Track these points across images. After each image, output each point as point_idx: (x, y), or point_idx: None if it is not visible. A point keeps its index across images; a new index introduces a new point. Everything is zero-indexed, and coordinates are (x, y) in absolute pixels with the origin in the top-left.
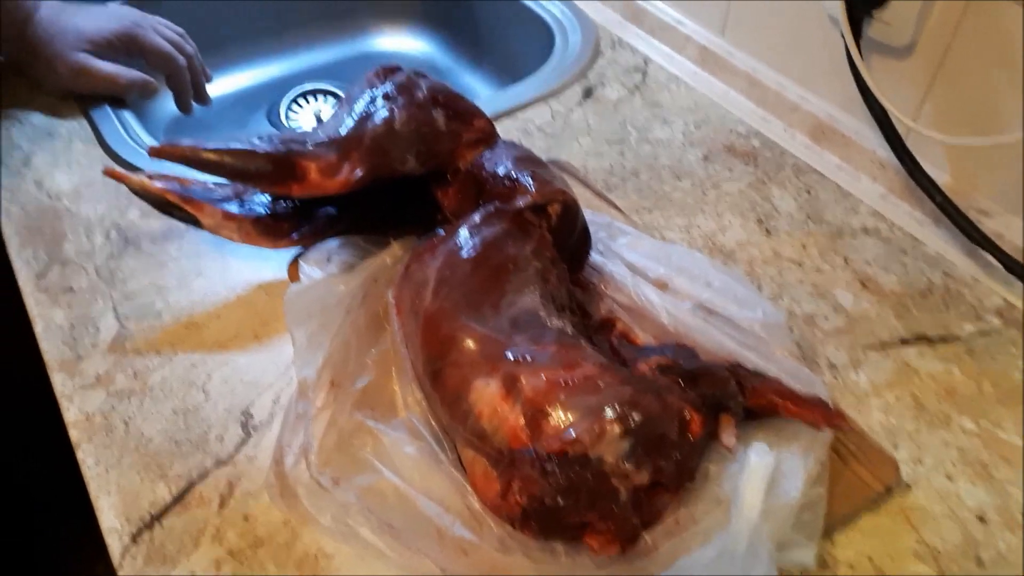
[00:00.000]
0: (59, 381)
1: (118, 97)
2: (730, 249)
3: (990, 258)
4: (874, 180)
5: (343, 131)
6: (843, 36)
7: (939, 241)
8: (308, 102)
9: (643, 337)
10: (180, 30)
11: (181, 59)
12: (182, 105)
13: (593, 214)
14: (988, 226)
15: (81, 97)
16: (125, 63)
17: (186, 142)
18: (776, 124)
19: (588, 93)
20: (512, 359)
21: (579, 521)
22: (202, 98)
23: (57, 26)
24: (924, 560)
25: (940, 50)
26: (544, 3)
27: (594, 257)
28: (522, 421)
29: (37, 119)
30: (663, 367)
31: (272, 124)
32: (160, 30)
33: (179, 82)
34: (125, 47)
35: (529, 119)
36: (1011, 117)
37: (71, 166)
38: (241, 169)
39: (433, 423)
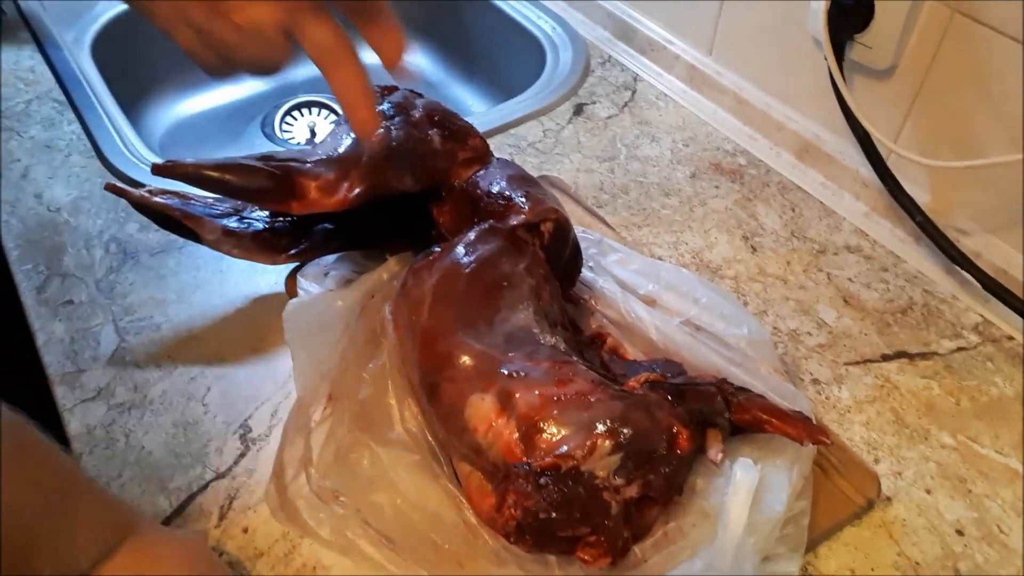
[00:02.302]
0: (60, 394)
1: None
2: (717, 265)
3: (968, 276)
4: (857, 198)
5: (341, 150)
6: (826, 59)
7: (919, 259)
8: (302, 114)
9: (633, 352)
10: None
11: None
12: None
13: (584, 231)
14: (966, 245)
15: (77, 110)
16: None
17: (189, 160)
18: (762, 142)
19: (579, 110)
20: (507, 375)
21: (572, 534)
22: None
23: None
24: (904, 572)
25: (920, 73)
26: (535, 20)
27: (585, 273)
28: (516, 436)
29: (35, 131)
30: (652, 383)
31: (266, 136)
32: None
33: None
34: None
35: (521, 136)
36: (988, 139)
37: (69, 179)
38: (242, 187)
39: (429, 437)
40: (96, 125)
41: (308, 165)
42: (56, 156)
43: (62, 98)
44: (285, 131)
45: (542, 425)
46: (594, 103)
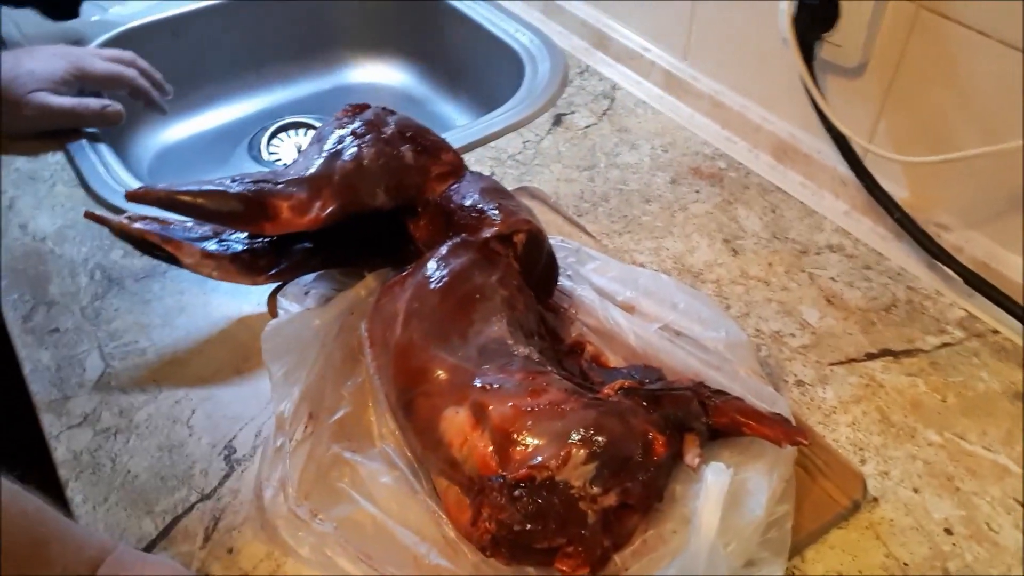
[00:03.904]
0: (47, 422)
1: (88, 129)
2: (698, 270)
3: (951, 271)
4: (837, 197)
5: (313, 169)
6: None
7: (902, 255)
8: (289, 136)
9: (613, 360)
10: (116, 51)
11: (130, 71)
12: (156, 108)
13: (562, 240)
14: (947, 240)
15: (63, 140)
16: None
17: (161, 186)
18: (740, 145)
19: (558, 120)
20: (480, 387)
21: (548, 546)
22: (164, 91)
23: (11, 72)
24: (893, 573)
25: (890, 69)
26: (513, 33)
27: (564, 282)
28: (491, 448)
29: (20, 163)
30: (627, 389)
31: (253, 159)
32: (101, 54)
33: (142, 93)
34: (78, 80)
35: (502, 148)
36: (961, 133)
37: (54, 208)
38: (214, 210)
39: (408, 453)
40: (79, 154)
41: (280, 185)
42: (40, 187)
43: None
44: (272, 153)
45: (516, 437)
46: (573, 113)
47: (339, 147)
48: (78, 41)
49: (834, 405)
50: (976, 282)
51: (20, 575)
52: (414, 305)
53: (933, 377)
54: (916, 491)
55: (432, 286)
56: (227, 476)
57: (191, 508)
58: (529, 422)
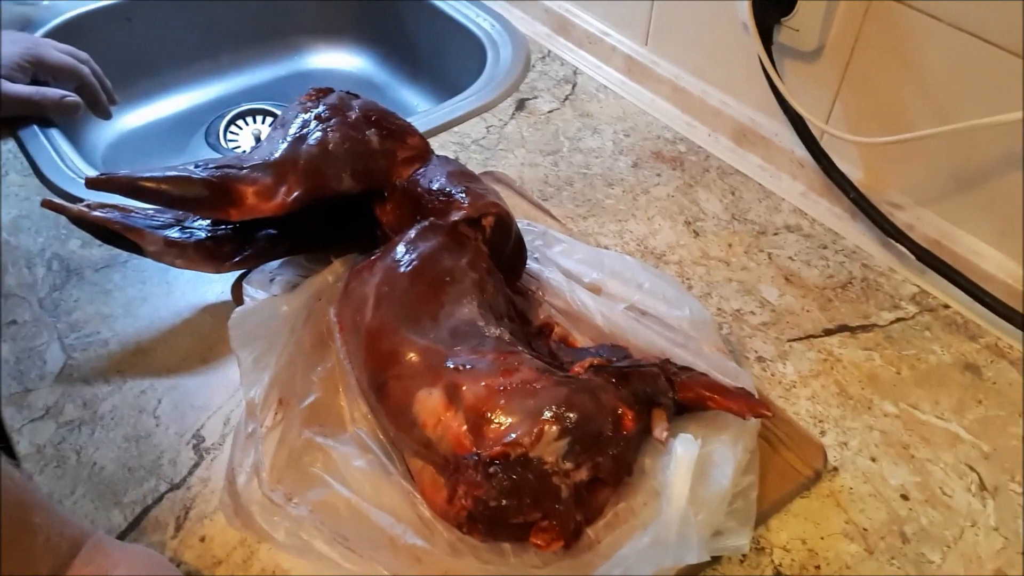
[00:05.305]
0: (8, 415)
1: (44, 118)
2: (661, 251)
3: (904, 249)
4: (794, 179)
5: (278, 154)
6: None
7: (857, 234)
8: (247, 123)
9: (580, 340)
10: (71, 48)
11: (83, 67)
12: (100, 111)
13: (529, 224)
14: (900, 218)
15: (14, 127)
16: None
17: (123, 172)
18: (700, 129)
19: (521, 105)
20: (453, 368)
21: (524, 521)
22: (112, 99)
23: None
24: (853, 539)
25: (845, 53)
26: (475, 18)
27: (531, 265)
28: (465, 428)
29: None
30: (596, 367)
31: (211, 146)
32: (57, 47)
33: (90, 91)
34: (33, 68)
35: (465, 133)
36: (914, 114)
37: (8, 198)
38: (178, 196)
39: (381, 436)
40: (32, 142)
41: (244, 171)
42: None
43: None
44: (230, 140)
45: (489, 415)
46: (536, 98)
47: (304, 131)
48: (28, 26)
49: (794, 380)
50: (928, 259)
51: (5, 540)
52: (384, 289)
53: (888, 351)
54: (874, 460)
55: (402, 269)
56: (196, 465)
57: (161, 498)
58: (502, 400)
